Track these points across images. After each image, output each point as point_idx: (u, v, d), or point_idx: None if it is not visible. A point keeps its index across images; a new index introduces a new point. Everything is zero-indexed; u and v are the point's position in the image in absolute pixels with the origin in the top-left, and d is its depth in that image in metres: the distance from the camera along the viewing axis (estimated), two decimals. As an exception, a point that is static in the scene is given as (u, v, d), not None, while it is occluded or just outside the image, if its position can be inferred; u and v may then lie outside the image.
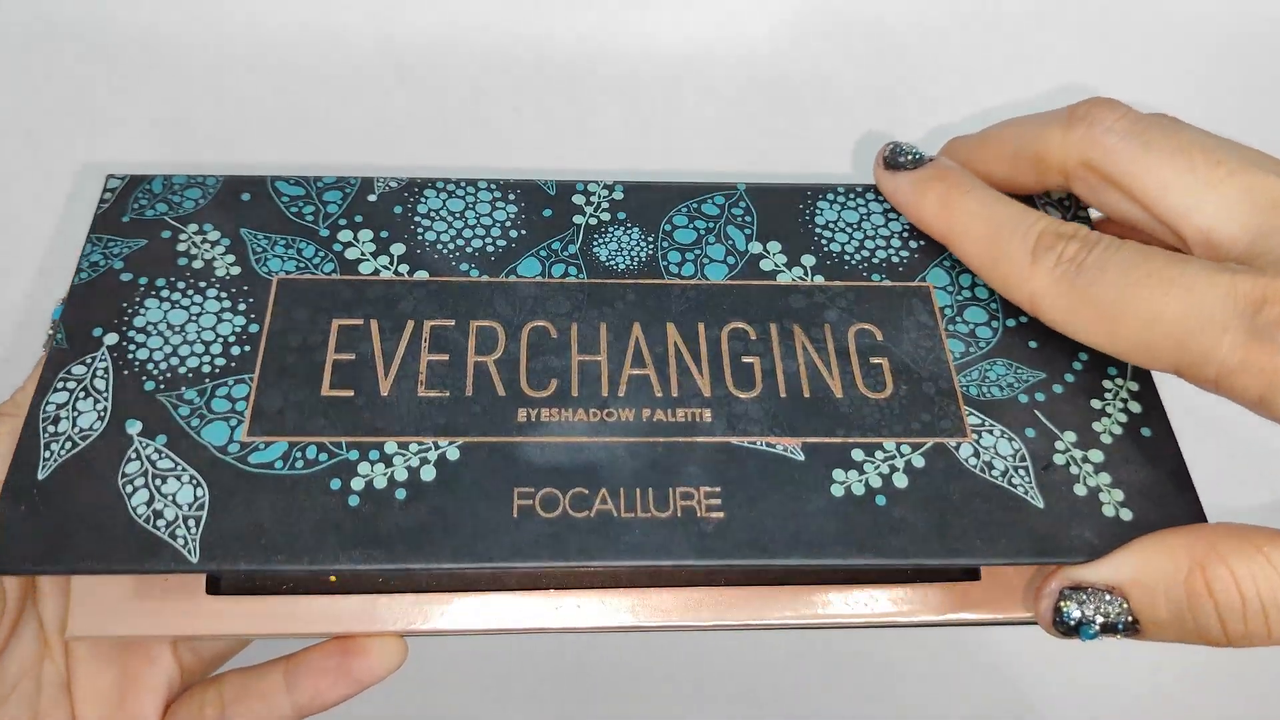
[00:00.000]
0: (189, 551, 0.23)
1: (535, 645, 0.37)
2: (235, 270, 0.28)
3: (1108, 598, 0.24)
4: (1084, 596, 0.24)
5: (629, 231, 0.29)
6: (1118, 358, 0.25)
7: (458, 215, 0.29)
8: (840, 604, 0.26)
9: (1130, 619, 0.24)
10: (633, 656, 0.37)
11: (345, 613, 0.26)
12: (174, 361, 0.26)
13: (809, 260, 0.29)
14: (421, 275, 0.28)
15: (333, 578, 0.27)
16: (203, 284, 0.27)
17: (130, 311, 0.27)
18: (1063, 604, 0.24)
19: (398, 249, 0.28)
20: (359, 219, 0.29)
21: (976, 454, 0.25)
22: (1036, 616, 0.25)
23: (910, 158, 0.29)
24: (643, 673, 0.37)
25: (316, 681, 0.27)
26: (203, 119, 0.33)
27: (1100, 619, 0.24)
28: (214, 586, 0.27)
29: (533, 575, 0.27)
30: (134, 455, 0.25)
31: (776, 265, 0.28)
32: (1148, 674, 0.39)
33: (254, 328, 0.27)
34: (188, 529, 0.24)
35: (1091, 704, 0.39)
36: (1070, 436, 0.26)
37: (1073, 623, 0.24)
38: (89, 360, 0.26)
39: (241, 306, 0.27)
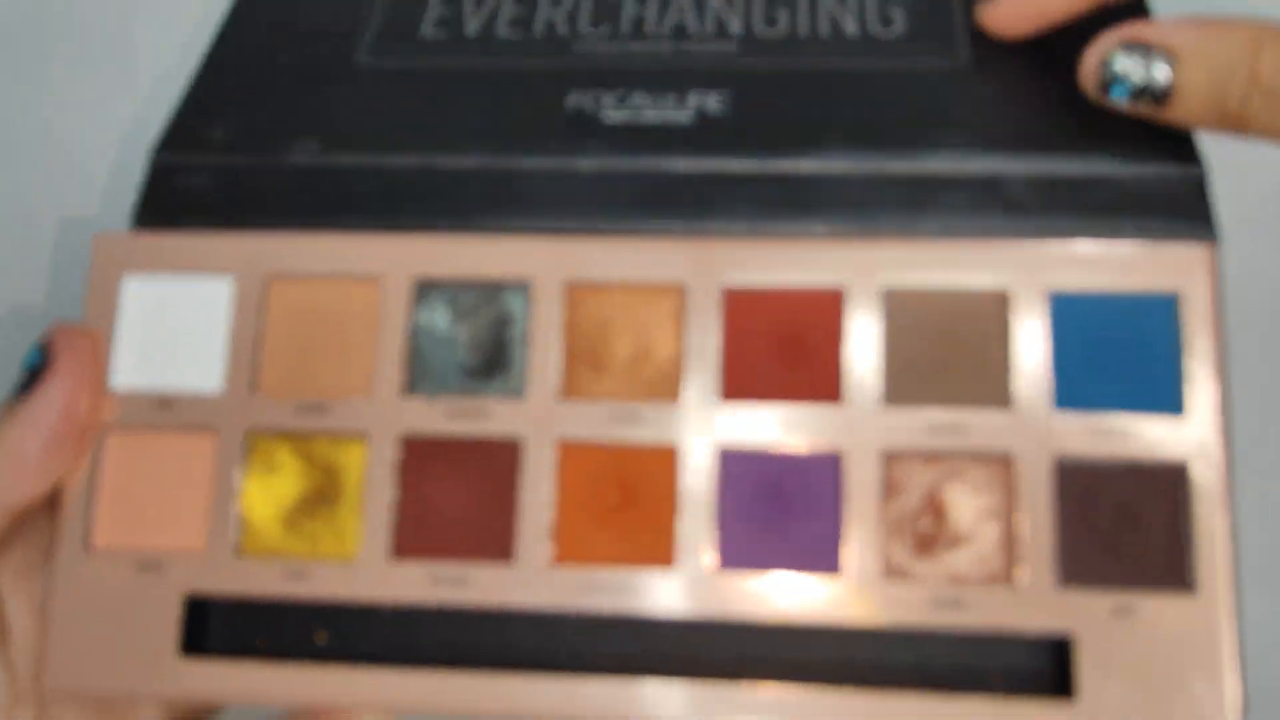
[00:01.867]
0: None
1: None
2: None
3: (1157, 63, 0.25)
4: (1136, 54, 0.25)
5: None
6: None
7: None
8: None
9: (1167, 85, 0.25)
10: None
11: (331, 683, 0.25)
12: None
13: None
14: None
15: (321, 637, 0.26)
16: None
17: None
18: (1115, 53, 0.25)
19: None
20: None
21: None
22: (1083, 63, 0.26)
23: None
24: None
25: None
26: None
27: (1138, 77, 0.25)
28: (193, 644, 0.25)
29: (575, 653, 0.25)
30: None
31: None
32: None
33: None
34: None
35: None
36: None
37: (1114, 74, 0.25)
38: None
39: None
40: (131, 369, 0.27)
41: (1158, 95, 0.25)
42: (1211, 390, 0.24)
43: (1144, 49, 0.25)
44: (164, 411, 0.26)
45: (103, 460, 0.26)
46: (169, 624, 0.25)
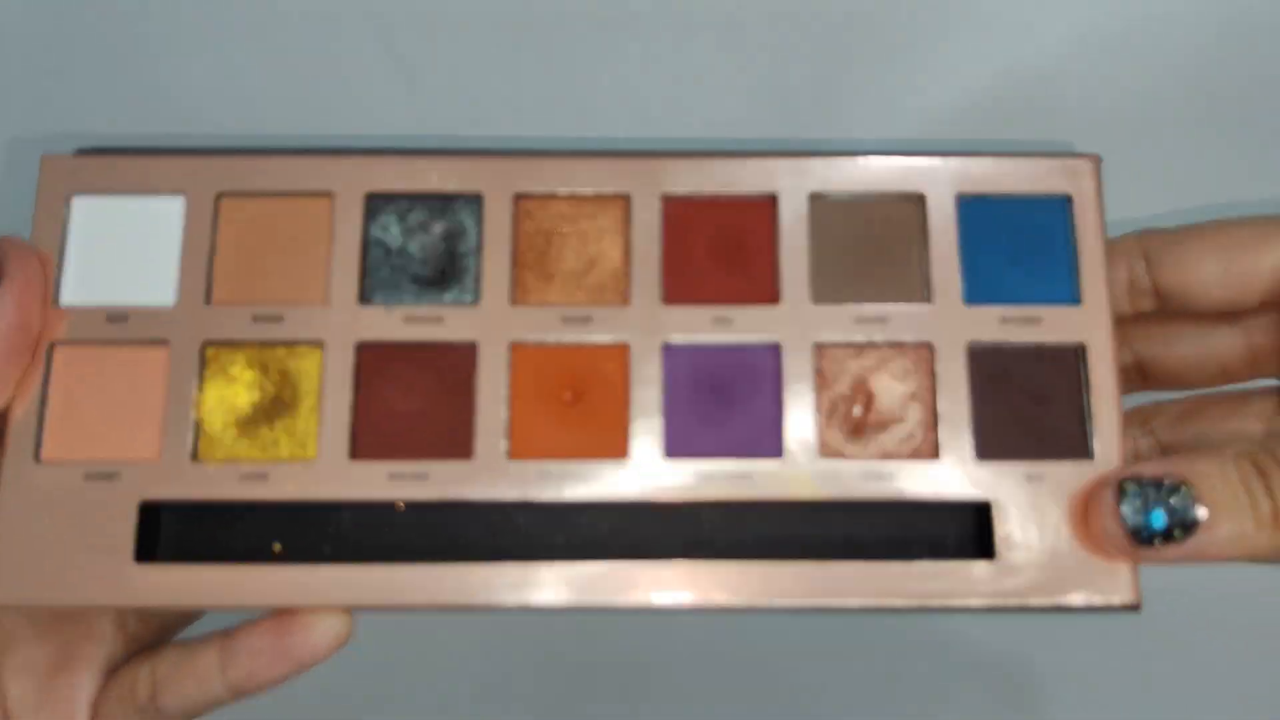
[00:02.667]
0: None
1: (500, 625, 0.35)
2: None
3: (1167, 486, 0.24)
4: (1138, 491, 0.24)
5: None
6: None
7: None
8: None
9: (1195, 506, 0.24)
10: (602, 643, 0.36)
11: (288, 584, 0.25)
12: None
13: None
14: None
15: (277, 547, 0.26)
16: None
17: None
18: (1123, 505, 0.24)
19: None
20: None
21: None
22: (1091, 530, 0.25)
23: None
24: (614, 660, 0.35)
25: (252, 661, 0.26)
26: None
27: (1164, 510, 0.24)
28: (147, 554, 0.26)
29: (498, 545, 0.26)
30: None
31: None
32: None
33: None
34: None
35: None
36: None
37: (1136, 521, 0.24)
38: None
39: None
40: (81, 285, 0.27)
41: (1191, 523, 0.24)
42: (1101, 281, 0.27)
43: (1146, 483, 0.24)
44: (116, 325, 0.26)
45: (52, 374, 0.26)
46: (124, 532, 0.25)
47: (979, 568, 0.25)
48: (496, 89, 0.31)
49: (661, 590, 0.25)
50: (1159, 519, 0.24)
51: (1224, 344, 0.29)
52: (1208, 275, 0.27)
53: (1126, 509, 0.24)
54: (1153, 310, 0.28)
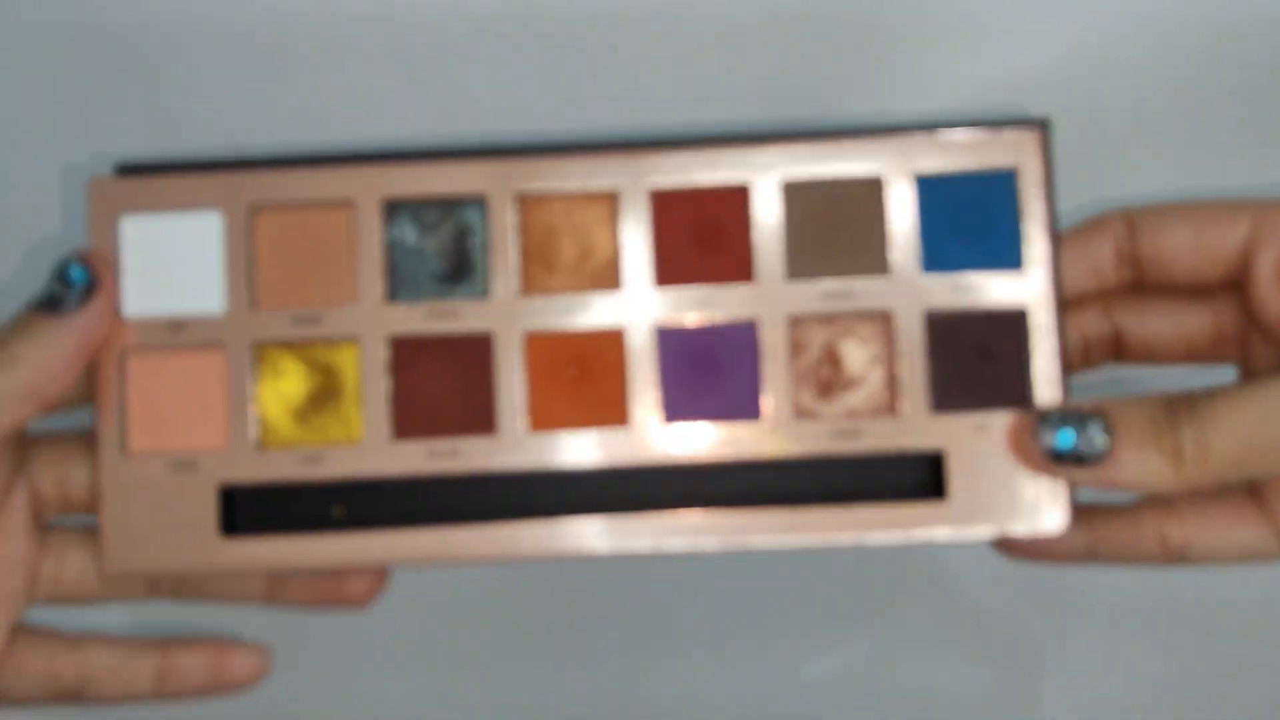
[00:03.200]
0: None
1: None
2: None
3: (1085, 416, 0.28)
4: (1060, 417, 0.28)
5: None
6: None
7: None
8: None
9: (1106, 437, 0.28)
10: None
11: (349, 548, 0.30)
12: None
13: None
14: None
15: (337, 511, 0.31)
16: None
17: None
18: (1040, 426, 0.28)
19: None
20: None
21: None
22: (1014, 448, 0.29)
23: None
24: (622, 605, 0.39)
25: (185, 679, 0.31)
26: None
27: (1073, 432, 0.28)
28: (229, 528, 0.30)
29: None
30: None
31: None
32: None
33: None
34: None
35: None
36: None
37: (1048, 440, 0.28)
38: None
39: None
40: (140, 298, 0.31)
41: (1099, 452, 0.28)
42: (1043, 248, 0.30)
43: (1066, 412, 0.28)
44: (176, 333, 0.30)
45: (128, 379, 0.30)
46: (208, 511, 0.30)
47: (933, 506, 0.30)
48: (495, 87, 0.34)
49: (665, 537, 0.30)
50: (1066, 439, 0.28)
51: (1193, 321, 0.31)
52: (1179, 244, 0.30)
53: (1043, 429, 0.29)
54: (1132, 280, 0.31)
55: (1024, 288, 0.30)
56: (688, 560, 0.32)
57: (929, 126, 0.31)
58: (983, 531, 0.30)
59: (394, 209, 0.31)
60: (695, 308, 0.30)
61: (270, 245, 0.31)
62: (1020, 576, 0.35)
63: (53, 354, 0.29)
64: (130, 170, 0.31)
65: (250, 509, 0.31)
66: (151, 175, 0.31)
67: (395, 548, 0.30)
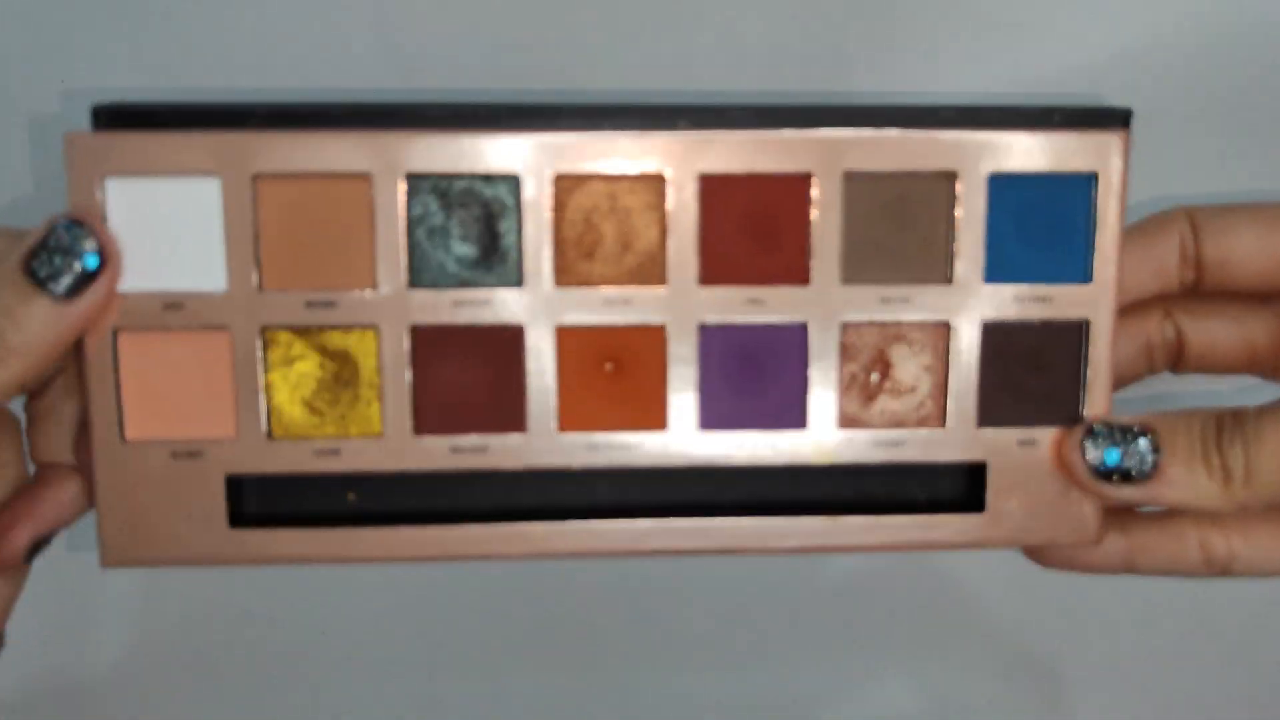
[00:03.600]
0: None
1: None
2: None
3: (1133, 432, 0.28)
4: (1107, 432, 0.28)
5: None
6: None
7: None
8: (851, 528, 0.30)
9: (1154, 454, 0.27)
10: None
11: (362, 541, 0.29)
12: None
13: None
14: None
15: (351, 496, 0.30)
16: None
17: None
18: (1088, 441, 0.28)
19: None
20: None
21: None
22: (1060, 463, 0.29)
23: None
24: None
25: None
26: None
27: (1120, 450, 0.28)
28: (238, 520, 0.29)
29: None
30: None
31: None
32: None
33: None
34: None
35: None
36: None
37: (1095, 457, 0.28)
38: None
39: None
40: (130, 271, 0.27)
41: (1148, 469, 0.27)
42: (1114, 260, 0.28)
43: (1113, 428, 0.27)
44: (174, 312, 0.27)
45: (120, 359, 0.28)
46: (216, 503, 0.28)
47: (970, 519, 0.29)
48: (526, 43, 0.30)
49: (695, 541, 0.29)
50: (1113, 455, 0.28)
51: (1259, 328, 0.30)
52: (1246, 247, 0.29)
53: (1089, 445, 0.28)
54: (1194, 282, 0.30)
55: (1089, 300, 0.29)
56: (693, 565, 0.31)
57: (1007, 112, 0.28)
58: (1019, 544, 0.30)
59: (416, 183, 0.28)
60: (742, 306, 0.28)
61: (276, 218, 0.27)
62: (1037, 586, 0.36)
63: (47, 341, 0.26)
64: (109, 117, 0.27)
65: (259, 498, 0.29)
66: (135, 128, 0.27)
67: (413, 543, 0.29)
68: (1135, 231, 0.30)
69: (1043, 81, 0.33)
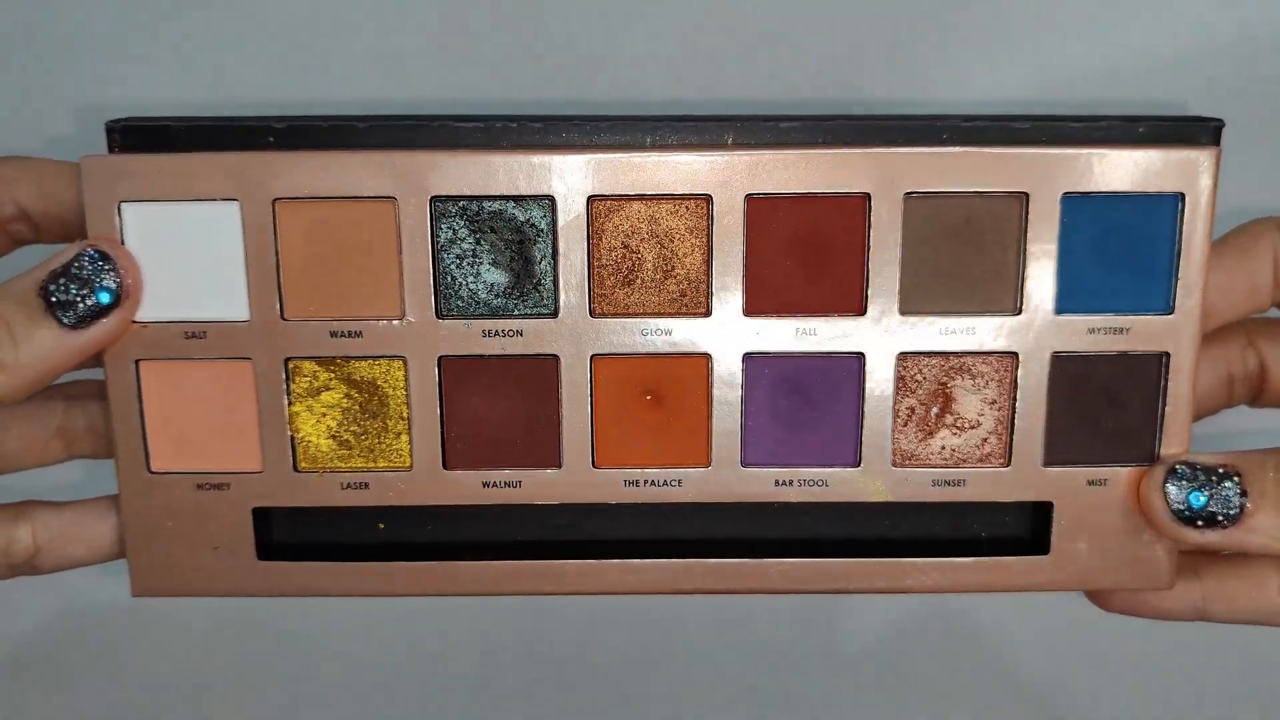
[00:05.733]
0: None
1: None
2: None
3: (1219, 474, 0.26)
4: (1191, 473, 0.26)
5: None
6: None
7: None
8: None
9: (1241, 498, 0.25)
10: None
11: (391, 576, 0.28)
12: None
13: None
14: None
15: (381, 526, 0.29)
16: None
17: None
18: (1171, 483, 0.26)
19: None
20: None
21: None
22: (1140, 505, 0.27)
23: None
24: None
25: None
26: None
27: (1206, 493, 0.26)
28: (266, 553, 0.28)
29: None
30: None
31: None
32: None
33: None
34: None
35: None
36: None
37: (1179, 500, 0.26)
38: None
39: None
40: (152, 298, 0.26)
41: (1234, 513, 0.25)
42: (1198, 288, 0.26)
43: (1197, 468, 0.26)
44: (196, 341, 0.26)
45: (143, 388, 0.27)
46: (243, 535, 0.27)
47: (1034, 561, 0.28)
48: (556, 51, 0.28)
49: (730, 581, 0.28)
50: (1198, 499, 0.26)
51: None
52: None
53: (1172, 488, 0.26)
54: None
55: (1170, 332, 0.26)
56: (700, 605, 0.29)
57: (1085, 124, 0.26)
58: (1085, 588, 0.28)
59: (443, 206, 0.26)
60: (792, 340, 0.26)
61: (297, 244, 0.26)
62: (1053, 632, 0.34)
63: (44, 363, 0.25)
64: (124, 134, 0.26)
65: (288, 530, 0.28)
66: (151, 147, 0.26)
67: (444, 578, 0.28)
68: (1223, 245, 0.27)
69: (1116, 83, 0.30)
